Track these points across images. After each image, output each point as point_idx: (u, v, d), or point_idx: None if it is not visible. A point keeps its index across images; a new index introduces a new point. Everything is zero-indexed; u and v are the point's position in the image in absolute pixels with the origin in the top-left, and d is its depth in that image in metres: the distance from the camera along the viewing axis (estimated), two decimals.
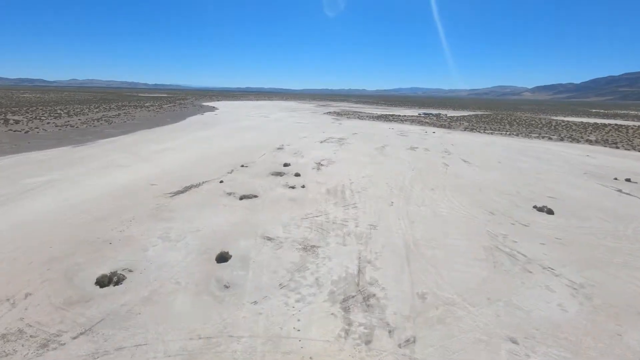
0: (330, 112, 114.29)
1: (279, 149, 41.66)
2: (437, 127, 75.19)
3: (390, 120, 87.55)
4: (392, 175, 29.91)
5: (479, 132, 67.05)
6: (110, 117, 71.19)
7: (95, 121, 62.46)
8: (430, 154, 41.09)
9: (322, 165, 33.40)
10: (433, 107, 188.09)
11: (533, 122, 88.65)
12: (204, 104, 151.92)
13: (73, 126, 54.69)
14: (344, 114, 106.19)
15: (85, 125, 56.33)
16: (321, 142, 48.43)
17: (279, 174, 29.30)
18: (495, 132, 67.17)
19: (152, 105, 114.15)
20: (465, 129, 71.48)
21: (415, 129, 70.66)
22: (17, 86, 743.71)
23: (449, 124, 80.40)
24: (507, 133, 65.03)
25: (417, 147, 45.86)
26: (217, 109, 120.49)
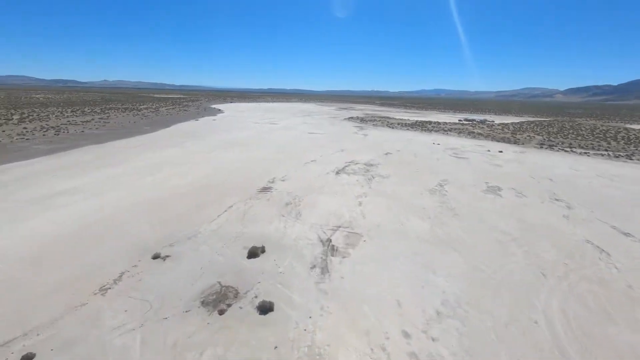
0: (352, 118, 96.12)
1: (264, 190, 24.23)
2: (497, 140, 55.63)
3: (429, 130, 68.49)
4: (519, 322, 11.67)
5: (565, 150, 47.08)
6: (73, 123, 56.26)
7: (43, 130, 47.36)
8: (536, 208, 22.36)
9: (335, 250, 15.55)
10: (469, 111, 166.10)
11: (623, 134, 66.95)
12: (213, 106, 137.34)
13: None
14: (369, 120, 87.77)
15: (16, 138, 41.12)
16: (337, 172, 30.59)
17: (223, 299, 11.68)
18: (590, 150, 46.98)
19: (148, 108, 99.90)
20: (541, 145, 51.53)
21: (469, 144, 51.51)
22: (50, 87, 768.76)
23: (512, 136, 60.29)
24: (612, 154, 44.76)
25: (499, 187, 27.16)
26: (222, 112, 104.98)
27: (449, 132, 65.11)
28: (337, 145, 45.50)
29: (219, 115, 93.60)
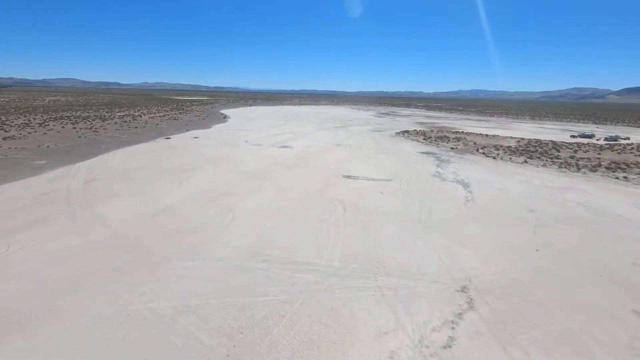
0: (407, 132, 64.86)
1: None
2: None
3: (572, 165, 36.37)
4: None
5: None
6: None
7: None
8: None
9: None
10: (547, 118, 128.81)
11: None
12: (222, 111, 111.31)
13: None
14: (439, 139, 56.27)
15: None
16: None
17: None
18: None
19: (127, 116, 74.67)
20: None
21: None
22: (88, 88, 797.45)
23: None
24: None
25: None
26: (226, 120, 77.85)
27: (627, 176, 32.54)
28: (431, 250, 15.20)
29: (215, 127, 66.08)
